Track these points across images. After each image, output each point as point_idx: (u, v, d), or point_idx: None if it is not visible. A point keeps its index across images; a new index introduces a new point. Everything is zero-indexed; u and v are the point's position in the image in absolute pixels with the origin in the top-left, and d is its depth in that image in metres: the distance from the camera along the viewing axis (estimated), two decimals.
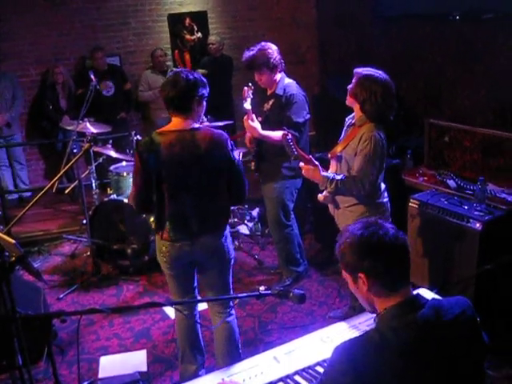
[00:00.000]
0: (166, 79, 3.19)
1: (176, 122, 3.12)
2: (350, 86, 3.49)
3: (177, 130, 3.09)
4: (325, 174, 3.54)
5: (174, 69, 7.62)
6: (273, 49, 4.35)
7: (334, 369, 1.73)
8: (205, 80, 3.16)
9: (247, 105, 4.24)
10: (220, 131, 3.23)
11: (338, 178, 3.48)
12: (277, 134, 4.15)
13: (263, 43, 4.38)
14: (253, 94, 4.27)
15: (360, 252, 1.83)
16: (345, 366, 1.69)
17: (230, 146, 3.18)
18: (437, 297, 2.42)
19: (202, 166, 3.10)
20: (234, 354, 3.49)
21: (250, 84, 4.31)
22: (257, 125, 4.29)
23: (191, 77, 3.06)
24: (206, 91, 3.14)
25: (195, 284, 3.50)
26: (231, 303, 3.53)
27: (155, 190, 3.13)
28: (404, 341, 1.71)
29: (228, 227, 3.40)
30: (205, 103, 3.20)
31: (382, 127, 3.46)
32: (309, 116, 4.42)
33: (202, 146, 3.08)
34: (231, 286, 3.51)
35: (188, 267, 3.37)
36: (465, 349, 1.78)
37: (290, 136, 3.50)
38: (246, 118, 4.31)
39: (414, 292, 1.88)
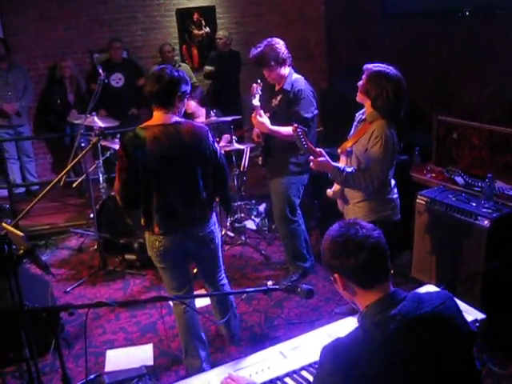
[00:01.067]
0: (150, 73, 3.28)
1: (158, 117, 3.20)
2: (360, 83, 3.47)
3: (160, 124, 3.16)
4: (335, 164, 3.53)
5: (182, 63, 7.66)
6: (280, 43, 4.34)
7: (323, 370, 1.75)
8: (188, 78, 3.27)
9: (256, 101, 4.25)
10: (201, 124, 3.37)
11: (349, 170, 3.47)
12: (286, 130, 4.15)
13: (269, 39, 4.37)
14: (261, 90, 4.27)
15: (330, 253, 1.88)
16: (332, 367, 1.71)
17: (212, 138, 3.31)
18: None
19: (187, 158, 3.19)
20: (226, 310, 3.68)
21: (259, 81, 4.31)
22: (265, 120, 4.29)
23: (175, 73, 3.17)
24: (188, 88, 3.25)
25: (190, 275, 3.62)
26: (222, 273, 3.70)
27: (142, 185, 3.18)
28: (388, 335, 1.73)
29: (214, 214, 3.53)
30: (186, 100, 3.31)
31: (393, 123, 3.45)
32: (317, 111, 4.41)
33: (186, 139, 3.18)
34: (222, 267, 3.71)
35: (180, 258, 3.44)
36: (448, 338, 1.79)
37: (300, 129, 3.50)
38: (254, 114, 4.31)
39: (424, 288, 1.88)
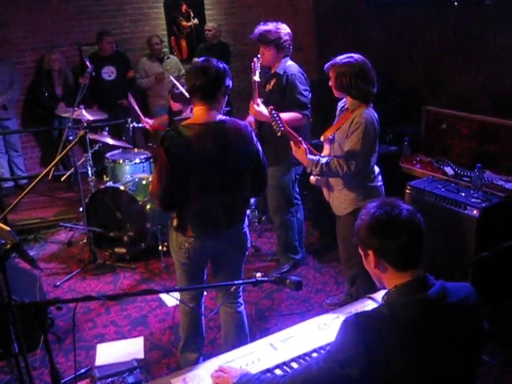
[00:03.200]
0: (192, 65, 3.05)
1: (200, 114, 2.97)
2: (330, 82, 3.55)
3: (204, 123, 2.94)
4: (311, 157, 3.58)
5: (171, 55, 7.60)
6: (287, 30, 4.37)
7: (343, 340, 1.76)
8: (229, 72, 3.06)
9: (256, 77, 4.25)
10: (245, 123, 3.14)
11: (323, 161, 3.51)
12: (283, 116, 4.13)
13: (281, 23, 4.38)
14: (260, 66, 4.26)
15: (370, 229, 1.87)
16: (353, 338, 1.72)
17: (256, 138, 3.10)
18: None
19: (232, 159, 2.98)
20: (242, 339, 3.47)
21: (259, 56, 4.32)
22: (263, 109, 4.27)
23: (221, 66, 2.97)
24: (231, 83, 3.04)
25: (205, 277, 3.44)
26: (240, 293, 3.49)
27: (182, 187, 2.98)
28: (412, 316, 1.75)
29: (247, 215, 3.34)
30: (227, 96, 3.10)
31: (374, 108, 3.53)
32: (311, 95, 4.42)
33: (233, 139, 2.97)
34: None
35: (205, 260, 3.29)
36: (466, 332, 1.82)
37: (275, 111, 3.54)
38: (251, 102, 4.30)
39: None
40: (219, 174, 2.98)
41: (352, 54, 3.50)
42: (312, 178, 3.77)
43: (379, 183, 3.72)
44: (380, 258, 1.87)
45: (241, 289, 3.49)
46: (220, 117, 3.00)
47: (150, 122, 5.78)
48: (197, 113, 3.00)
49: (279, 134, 3.56)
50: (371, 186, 3.66)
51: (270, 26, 4.31)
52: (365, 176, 3.61)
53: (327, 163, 3.50)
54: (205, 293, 3.61)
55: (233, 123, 3.02)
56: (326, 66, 3.56)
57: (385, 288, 1.94)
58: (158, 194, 3.00)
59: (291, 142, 3.61)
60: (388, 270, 1.87)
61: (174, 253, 3.24)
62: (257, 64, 4.25)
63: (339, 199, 3.71)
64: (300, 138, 3.60)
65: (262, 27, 4.34)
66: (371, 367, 1.69)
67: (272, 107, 3.57)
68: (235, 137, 2.98)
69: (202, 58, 3.05)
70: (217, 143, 2.93)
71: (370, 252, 1.89)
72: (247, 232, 3.30)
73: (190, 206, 3.02)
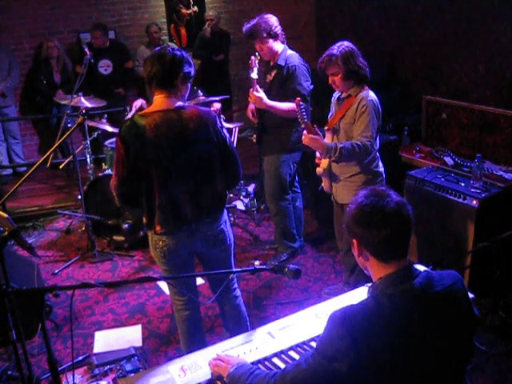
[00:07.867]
0: (151, 53, 2.97)
1: (159, 102, 2.90)
2: (335, 77, 3.55)
3: (161, 110, 2.86)
4: (328, 143, 3.59)
5: (170, 43, 7.57)
6: (273, 18, 4.35)
7: (330, 335, 1.75)
8: (191, 60, 2.99)
9: (254, 74, 4.23)
10: (207, 109, 3.06)
11: (341, 145, 3.50)
12: (282, 105, 4.23)
13: (263, 14, 4.37)
14: (259, 63, 4.25)
15: (354, 218, 1.85)
16: (341, 332, 1.70)
17: (220, 124, 3.01)
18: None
19: (191, 147, 2.89)
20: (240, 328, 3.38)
21: (257, 53, 4.31)
22: (262, 95, 4.27)
23: (178, 53, 2.90)
24: (192, 71, 2.94)
25: (195, 280, 3.36)
26: (235, 283, 3.40)
27: (142, 179, 2.88)
28: (399, 307, 1.74)
29: (226, 211, 3.22)
30: (189, 84, 3.01)
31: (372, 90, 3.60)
32: (312, 86, 4.40)
33: (190, 126, 2.88)
34: (235, 276, 3.41)
35: (187, 260, 3.17)
36: (455, 319, 1.81)
37: (302, 104, 3.55)
38: (251, 90, 4.28)
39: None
40: (179, 164, 2.88)
41: (339, 43, 3.54)
42: (319, 169, 3.77)
43: (381, 168, 3.78)
44: (362, 247, 1.86)
45: (235, 281, 3.41)
46: (179, 103, 2.92)
47: None
48: (155, 101, 2.92)
49: (303, 125, 3.56)
50: (375, 171, 3.71)
51: (256, 20, 4.30)
52: (369, 160, 3.66)
53: (345, 145, 3.47)
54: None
55: (191, 109, 2.94)
56: (320, 64, 3.57)
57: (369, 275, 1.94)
58: (116, 187, 2.91)
59: (304, 132, 3.59)
60: (371, 260, 1.87)
61: (153, 255, 3.16)
62: (255, 61, 4.23)
63: (346, 187, 3.72)
64: (315, 127, 3.60)
65: (248, 25, 4.32)
66: (359, 361, 1.68)
67: (299, 99, 3.59)
68: (194, 123, 2.88)
69: (158, 46, 3.02)
70: (173, 131, 2.84)
71: (354, 241, 1.88)
72: (225, 229, 3.16)
73: (154, 199, 2.92)
